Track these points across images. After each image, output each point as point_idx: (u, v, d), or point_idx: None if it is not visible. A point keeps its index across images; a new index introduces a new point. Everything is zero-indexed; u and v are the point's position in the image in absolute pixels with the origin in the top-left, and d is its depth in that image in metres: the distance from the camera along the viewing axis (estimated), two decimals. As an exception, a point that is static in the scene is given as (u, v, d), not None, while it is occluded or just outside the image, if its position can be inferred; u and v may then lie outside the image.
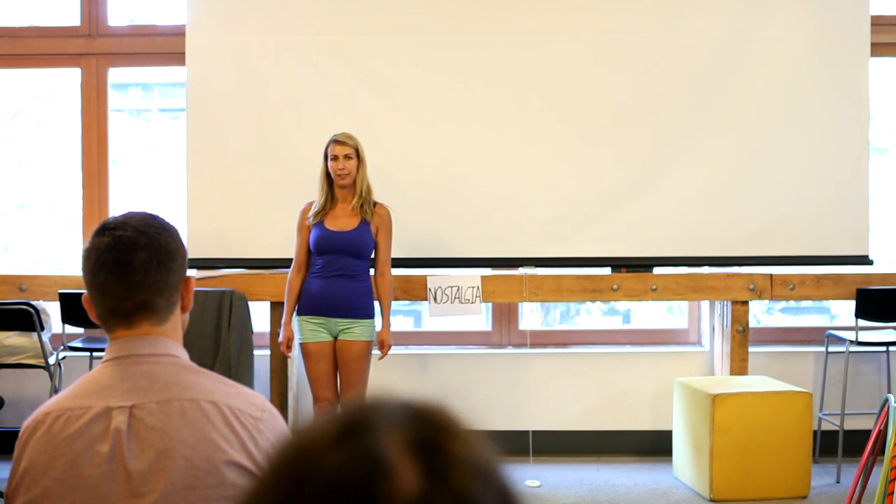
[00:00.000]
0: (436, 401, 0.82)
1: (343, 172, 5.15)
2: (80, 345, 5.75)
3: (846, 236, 5.98)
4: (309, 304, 5.19)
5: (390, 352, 5.91)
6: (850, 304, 5.99)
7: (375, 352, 5.31)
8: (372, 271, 5.32)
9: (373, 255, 5.29)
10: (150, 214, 1.89)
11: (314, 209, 5.21)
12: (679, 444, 5.78)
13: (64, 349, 5.75)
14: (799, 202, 5.98)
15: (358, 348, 5.15)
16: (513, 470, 0.81)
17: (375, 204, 5.24)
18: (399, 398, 0.82)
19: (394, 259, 5.96)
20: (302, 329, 5.21)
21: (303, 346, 5.22)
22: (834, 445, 5.86)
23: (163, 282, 1.84)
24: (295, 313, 5.27)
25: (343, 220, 5.19)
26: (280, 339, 5.34)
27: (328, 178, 5.22)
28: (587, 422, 6.24)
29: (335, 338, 5.18)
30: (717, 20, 5.98)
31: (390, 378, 6.16)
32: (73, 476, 1.76)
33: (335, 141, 5.19)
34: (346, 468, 0.76)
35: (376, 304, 5.31)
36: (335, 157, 5.16)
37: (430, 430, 0.79)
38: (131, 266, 1.82)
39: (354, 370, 5.16)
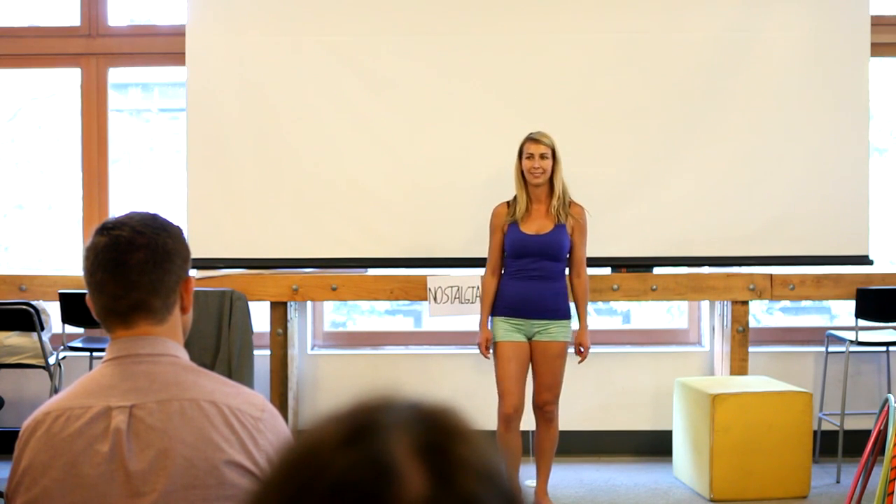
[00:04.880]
0: (442, 403, 0.82)
1: (537, 171, 5.02)
2: (80, 345, 5.75)
3: (846, 236, 5.98)
4: (506, 306, 5.09)
5: (392, 351, 5.91)
6: (851, 304, 5.99)
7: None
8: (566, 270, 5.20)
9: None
10: (152, 215, 1.89)
11: (517, 213, 5.07)
12: (679, 444, 5.78)
13: (64, 349, 5.75)
14: (799, 202, 5.98)
15: (555, 348, 5.06)
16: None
17: (570, 204, 5.12)
18: (406, 400, 0.82)
19: (393, 259, 5.97)
20: (497, 328, 5.12)
21: (497, 344, 5.12)
22: (834, 445, 5.86)
23: (159, 282, 1.84)
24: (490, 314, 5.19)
25: (538, 223, 5.08)
26: (478, 339, 5.22)
27: (523, 178, 5.09)
28: (587, 422, 6.24)
29: (530, 339, 5.10)
30: (716, 20, 5.98)
31: (390, 378, 6.16)
32: (72, 476, 1.76)
33: (531, 138, 5.06)
34: (352, 471, 0.76)
35: (572, 305, 5.22)
36: (530, 156, 5.04)
37: (437, 433, 0.79)
38: (127, 266, 1.82)
39: (549, 371, 5.07)
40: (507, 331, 5.09)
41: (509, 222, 5.11)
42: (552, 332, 5.06)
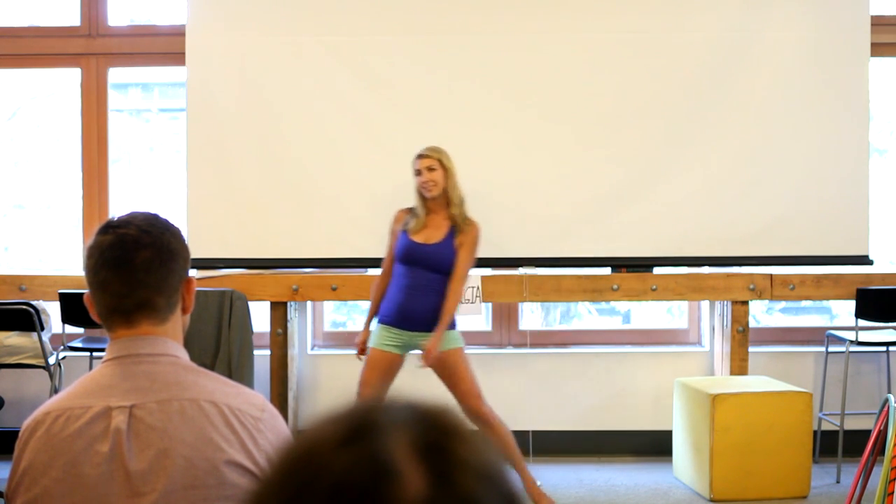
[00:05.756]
0: (442, 403, 0.82)
1: (429, 185, 5.08)
2: (80, 345, 5.75)
3: (846, 236, 5.98)
4: (388, 314, 5.10)
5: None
6: (850, 304, 5.99)
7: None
8: None
9: None
10: (154, 214, 1.90)
11: (412, 225, 5.11)
12: (679, 444, 5.78)
13: (64, 349, 5.75)
14: (799, 202, 5.98)
15: (450, 357, 5.03)
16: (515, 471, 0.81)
17: (466, 219, 5.12)
18: (405, 400, 0.82)
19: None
20: (378, 334, 5.13)
21: (371, 349, 5.14)
22: (834, 445, 5.86)
23: (164, 281, 1.84)
24: (375, 318, 5.19)
25: (428, 232, 5.11)
26: (356, 340, 5.24)
27: (421, 193, 5.14)
28: (587, 422, 6.24)
29: (412, 349, 5.10)
30: (717, 20, 5.98)
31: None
32: (72, 476, 1.76)
33: (417, 156, 5.13)
34: (351, 471, 0.75)
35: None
36: (419, 172, 5.11)
37: (436, 432, 0.79)
38: (133, 264, 1.82)
39: (458, 379, 5.04)
40: (385, 340, 5.09)
41: (402, 228, 5.15)
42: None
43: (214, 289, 5.79)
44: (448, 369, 5.07)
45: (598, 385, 6.25)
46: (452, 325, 5.12)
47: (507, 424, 5.14)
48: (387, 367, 5.10)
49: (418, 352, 5.08)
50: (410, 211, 5.20)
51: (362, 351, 5.21)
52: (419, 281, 5.07)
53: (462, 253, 5.11)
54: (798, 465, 5.45)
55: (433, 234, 5.11)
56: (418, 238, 5.10)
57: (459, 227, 5.10)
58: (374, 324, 5.21)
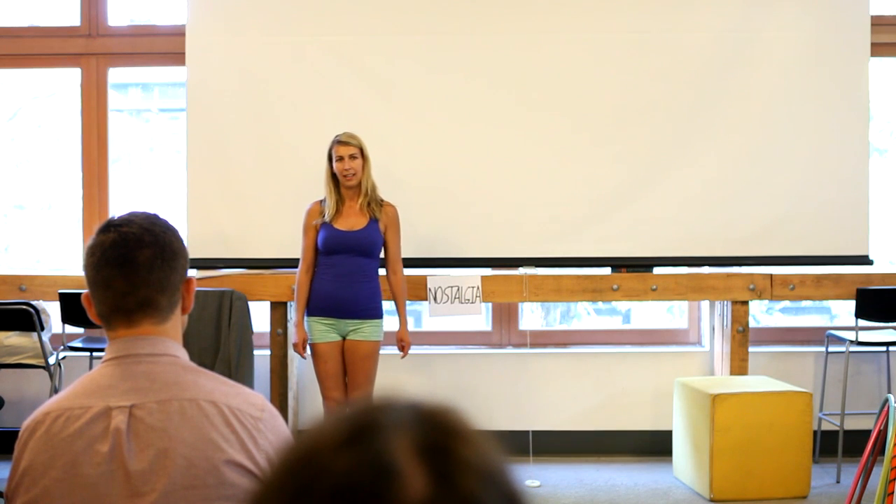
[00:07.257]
0: (443, 403, 0.82)
1: (349, 173, 5.12)
2: (80, 345, 5.75)
3: (846, 236, 5.98)
4: (319, 306, 5.16)
5: (392, 351, 5.89)
6: (850, 304, 5.99)
7: (392, 351, 5.31)
8: (383, 271, 5.32)
9: (382, 255, 5.30)
10: (153, 214, 1.90)
11: (327, 213, 5.17)
12: (679, 444, 5.78)
13: (64, 349, 5.74)
14: (799, 202, 5.98)
15: (366, 348, 5.13)
16: (516, 471, 0.81)
17: (382, 202, 5.22)
18: (407, 400, 0.82)
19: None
20: (312, 329, 5.19)
21: (313, 346, 5.21)
22: (834, 445, 5.86)
23: (166, 280, 1.84)
24: (305, 314, 5.27)
25: (352, 220, 5.17)
26: (294, 340, 5.31)
27: (334, 179, 5.18)
28: (587, 422, 6.24)
29: (344, 338, 5.17)
30: (717, 20, 5.98)
31: (390, 378, 6.16)
32: (72, 476, 1.76)
33: (339, 142, 5.15)
34: (353, 472, 0.75)
35: (388, 303, 5.32)
36: (340, 158, 5.13)
37: (438, 433, 0.79)
38: (136, 262, 1.82)
39: (361, 370, 5.14)
40: (322, 331, 5.16)
41: (322, 221, 5.18)
42: (365, 331, 5.13)
43: (214, 289, 5.79)
44: (356, 356, 5.14)
45: (598, 385, 6.25)
46: (381, 315, 5.18)
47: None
48: (339, 356, 5.16)
49: (358, 338, 5.14)
50: (322, 203, 5.23)
51: (304, 349, 5.27)
52: (350, 268, 5.13)
53: (391, 236, 5.23)
54: (798, 465, 5.45)
55: (356, 221, 5.16)
56: (343, 226, 5.15)
57: (378, 210, 5.18)
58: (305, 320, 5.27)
